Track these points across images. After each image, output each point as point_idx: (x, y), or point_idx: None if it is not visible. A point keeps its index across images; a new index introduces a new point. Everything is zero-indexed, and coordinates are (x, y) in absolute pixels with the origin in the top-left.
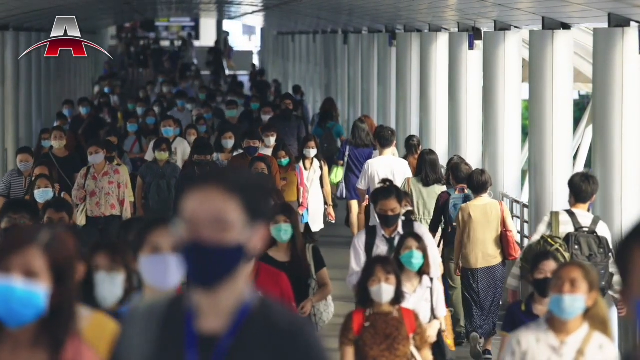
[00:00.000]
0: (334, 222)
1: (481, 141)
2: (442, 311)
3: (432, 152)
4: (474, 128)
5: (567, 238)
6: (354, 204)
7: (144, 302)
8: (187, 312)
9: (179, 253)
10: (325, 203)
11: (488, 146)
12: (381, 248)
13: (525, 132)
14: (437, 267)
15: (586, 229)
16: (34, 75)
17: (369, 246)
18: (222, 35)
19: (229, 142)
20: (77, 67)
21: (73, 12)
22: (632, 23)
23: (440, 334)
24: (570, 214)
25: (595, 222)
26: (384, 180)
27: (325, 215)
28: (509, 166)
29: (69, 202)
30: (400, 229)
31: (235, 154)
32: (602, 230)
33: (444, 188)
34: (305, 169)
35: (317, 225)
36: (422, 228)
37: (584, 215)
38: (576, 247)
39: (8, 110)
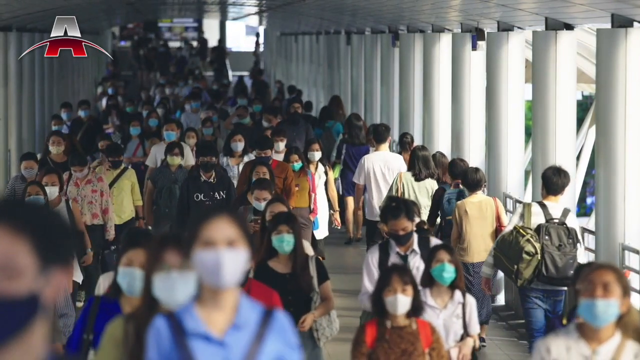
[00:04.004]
0: (339, 228)
1: (484, 142)
2: (476, 328)
3: (424, 148)
4: (477, 128)
5: (538, 229)
6: (350, 200)
7: None
8: None
9: None
10: (331, 208)
11: (491, 147)
12: None
13: (528, 133)
14: None
15: (556, 220)
16: (37, 76)
17: (383, 263)
18: (225, 36)
19: (239, 145)
20: (79, 68)
21: (75, 13)
22: (635, 23)
23: (474, 352)
24: (542, 205)
25: (565, 213)
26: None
27: (331, 221)
28: (512, 167)
29: None
30: (415, 245)
31: (246, 159)
32: (571, 221)
33: (435, 183)
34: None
35: (322, 232)
36: (435, 241)
37: (555, 207)
38: (546, 237)
39: (11, 111)
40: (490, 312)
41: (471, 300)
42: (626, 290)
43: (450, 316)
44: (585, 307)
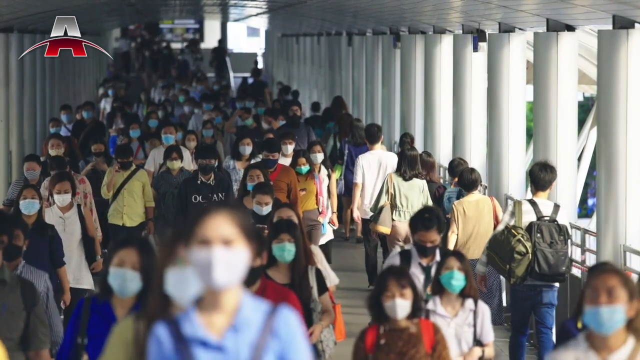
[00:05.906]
0: (336, 228)
1: (485, 143)
2: (489, 336)
3: (412, 148)
4: (478, 130)
5: (530, 227)
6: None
7: None
8: None
9: None
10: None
11: (492, 148)
12: (417, 277)
13: (529, 134)
14: None
15: (547, 218)
16: (38, 77)
17: None
18: (226, 37)
19: (247, 149)
20: (81, 69)
21: (77, 14)
22: (636, 25)
23: None
24: (532, 203)
25: (555, 210)
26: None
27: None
28: (513, 168)
29: (23, 220)
30: (438, 257)
31: (252, 161)
32: (562, 218)
33: (423, 182)
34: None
35: (327, 236)
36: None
37: (545, 204)
38: (538, 235)
39: (12, 112)
40: (497, 309)
41: (483, 308)
42: (633, 293)
43: (461, 325)
44: (590, 315)
